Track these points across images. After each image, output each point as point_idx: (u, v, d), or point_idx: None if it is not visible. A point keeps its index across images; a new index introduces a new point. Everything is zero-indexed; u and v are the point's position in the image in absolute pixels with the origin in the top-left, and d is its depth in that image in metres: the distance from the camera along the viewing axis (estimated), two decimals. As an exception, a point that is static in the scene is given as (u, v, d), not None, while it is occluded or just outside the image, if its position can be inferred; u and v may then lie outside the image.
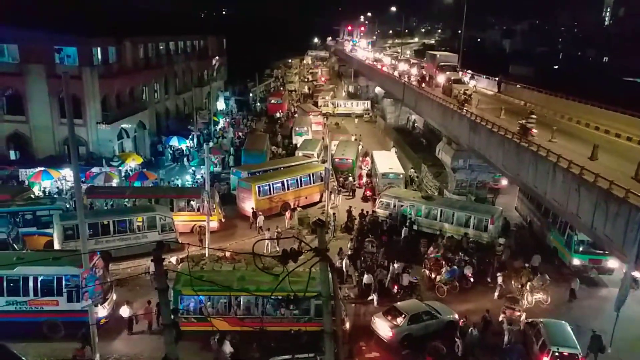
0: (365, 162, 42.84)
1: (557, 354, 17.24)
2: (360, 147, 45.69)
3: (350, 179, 37.63)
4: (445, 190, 33.97)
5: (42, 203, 27.61)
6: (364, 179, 38.78)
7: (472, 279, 23.73)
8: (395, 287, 22.90)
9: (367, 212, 30.96)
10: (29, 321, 18.80)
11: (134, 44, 44.06)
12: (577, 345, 17.67)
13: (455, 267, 23.75)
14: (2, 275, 18.77)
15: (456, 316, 20.59)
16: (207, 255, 24.73)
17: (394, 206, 30.16)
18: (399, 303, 20.93)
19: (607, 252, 22.16)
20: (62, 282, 18.79)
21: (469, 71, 44.97)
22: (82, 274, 16.98)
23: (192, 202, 28.53)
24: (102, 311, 19.39)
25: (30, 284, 18.94)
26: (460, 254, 24.96)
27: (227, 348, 17.31)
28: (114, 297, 20.76)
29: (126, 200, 28.99)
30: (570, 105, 31.47)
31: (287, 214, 30.84)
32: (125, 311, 19.81)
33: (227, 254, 24.94)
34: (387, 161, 38.53)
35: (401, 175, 36.12)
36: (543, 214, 28.00)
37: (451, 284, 23.28)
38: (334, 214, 30.67)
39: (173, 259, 24.65)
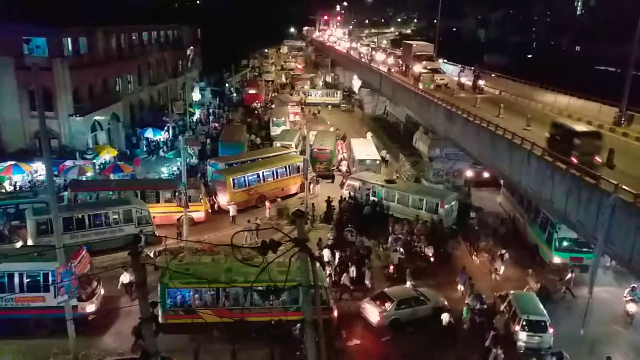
0: (341, 145, 42.95)
1: (525, 322, 18.62)
2: (337, 133, 45.91)
3: (343, 166, 38.85)
4: (423, 179, 34.33)
5: (24, 196, 27.16)
6: (343, 165, 39.08)
7: (432, 259, 24.94)
8: (391, 267, 23.77)
9: (345, 198, 31.33)
10: (15, 318, 18.49)
11: (105, 34, 43.04)
12: (545, 314, 19.01)
13: (400, 236, 25.47)
14: None
15: (445, 302, 20.98)
16: (185, 247, 24.51)
17: (359, 189, 31.25)
18: (387, 289, 21.38)
19: (589, 250, 21.86)
20: (48, 278, 18.42)
21: (474, 69, 41.16)
22: (58, 268, 16.65)
23: (177, 194, 28.14)
24: (90, 306, 19.20)
25: (16, 280, 18.56)
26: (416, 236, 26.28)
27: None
28: (102, 292, 20.48)
29: (111, 193, 28.47)
30: (544, 94, 32.05)
31: (267, 204, 30.72)
32: (125, 277, 20.75)
33: (206, 246, 24.79)
34: (364, 148, 39.03)
35: (378, 162, 36.69)
36: (525, 210, 27.62)
37: (395, 250, 24.64)
38: (312, 204, 30.69)
39: (150, 252, 24.36)
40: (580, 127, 19.41)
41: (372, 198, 30.78)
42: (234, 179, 30.75)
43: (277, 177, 32.98)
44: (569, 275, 22.73)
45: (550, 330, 18.63)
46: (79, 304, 18.50)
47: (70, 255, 18.50)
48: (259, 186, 31.83)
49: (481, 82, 36.37)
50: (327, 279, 21.24)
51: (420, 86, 36.07)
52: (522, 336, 18.65)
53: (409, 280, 22.40)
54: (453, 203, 29.00)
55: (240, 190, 30.89)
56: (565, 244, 23.71)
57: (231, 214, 29.19)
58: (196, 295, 19.09)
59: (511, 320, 19.31)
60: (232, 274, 18.87)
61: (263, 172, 32.32)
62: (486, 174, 33.40)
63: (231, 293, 19.13)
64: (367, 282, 22.42)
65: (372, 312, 20.16)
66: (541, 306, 19.55)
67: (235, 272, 18.86)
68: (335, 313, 19.58)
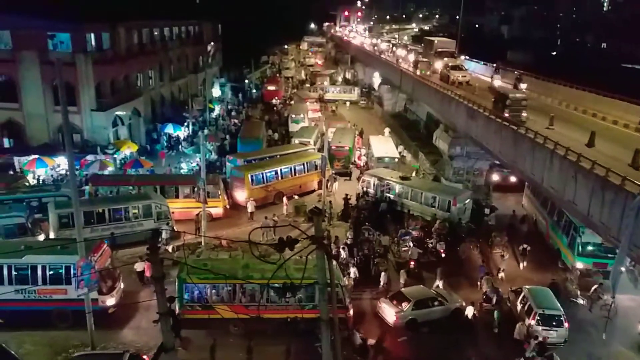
0: (358, 141, 42.75)
1: (540, 316, 18.62)
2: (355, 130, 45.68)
3: (361, 161, 38.86)
4: (442, 177, 33.93)
5: (47, 190, 27.71)
6: (362, 161, 38.96)
7: (443, 254, 24.75)
8: (412, 263, 23.75)
9: (360, 195, 31.28)
10: (37, 310, 18.81)
11: (128, 29, 43.47)
12: (560, 308, 18.97)
13: (410, 230, 26.06)
14: (11, 264, 18.74)
15: (463, 303, 20.73)
16: (203, 243, 24.64)
17: (374, 185, 31.23)
18: (405, 288, 21.23)
19: (614, 256, 20.64)
20: (70, 270, 18.63)
21: (496, 66, 39.91)
22: (78, 262, 16.92)
23: (196, 190, 28.29)
24: (110, 300, 19.47)
25: (39, 272, 18.90)
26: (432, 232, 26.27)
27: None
28: (122, 286, 20.73)
29: (131, 187, 28.81)
30: (569, 92, 31.34)
31: (285, 201, 30.74)
32: (139, 265, 21.68)
33: (224, 242, 24.92)
34: (383, 146, 38.89)
35: (396, 159, 36.47)
36: (548, 213, 26.74)
37: (406, 245, 24.65)
38: (330, 201, 30.60)
39: (169, 247, 24.58)
40: (511, 92, 26.07)
41: (387, 195, 30.71)
42: (252, 176, 30.82)
43: (294, 174, 32.96)
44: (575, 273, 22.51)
45: (566, 325, 18.46)
46: (99, 297, 18.80)
47: (91, 249, 18.82)
48: (276, 183, 31.86)
49: (523, 86, 32.29)
50: (346, 277, 21.16)
51: (418, 72, 39.97)
52: (537, 330, 18.44)
53: (439, 279, 22.30)
54: (467, 201, 28.63)
55: (258, 187, 30.95)
56: (589, 248, 22.72)
57: (249, 210, 29.29)
58: (213, 291, 19.24)
59: (526, 314, 19.14)
60: (249, 270, 18.96)
61: (281, 169, 32.34)
62: (513, 179, 32.60)
63: (248, 289, 19.19)
64: (401, 281, 22.34)
65: (389, 312, 20.03)
66: (556, 301, 19.37)
67: (252, 268, 18.95)
68: (352, 312, 19.49)
